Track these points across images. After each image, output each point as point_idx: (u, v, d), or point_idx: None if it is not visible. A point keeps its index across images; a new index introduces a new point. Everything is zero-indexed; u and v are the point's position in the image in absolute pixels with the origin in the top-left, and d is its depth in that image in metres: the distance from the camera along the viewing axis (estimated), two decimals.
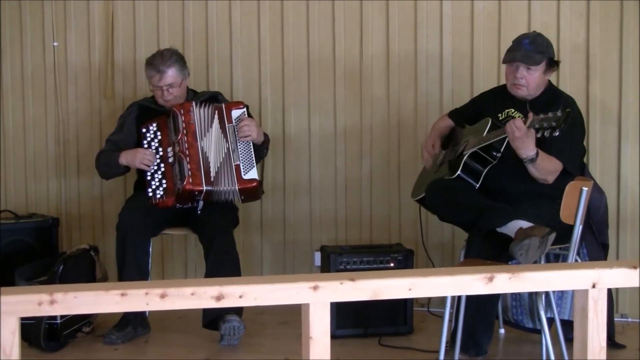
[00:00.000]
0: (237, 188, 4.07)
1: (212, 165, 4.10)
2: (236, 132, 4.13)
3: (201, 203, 4.10)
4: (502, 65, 3.87)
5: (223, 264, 4.01)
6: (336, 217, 4.76)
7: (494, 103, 3.90)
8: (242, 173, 4.08)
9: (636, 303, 4.34)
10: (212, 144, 4.13)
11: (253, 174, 4.11)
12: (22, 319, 1.93)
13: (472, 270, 2.06)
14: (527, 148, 3.46)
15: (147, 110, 4.28)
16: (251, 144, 4.15)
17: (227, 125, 4.15)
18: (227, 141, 4.14)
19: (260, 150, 4.25)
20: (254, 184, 4.10)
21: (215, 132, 4.15)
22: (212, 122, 4.16)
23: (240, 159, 4.10)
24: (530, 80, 3.70)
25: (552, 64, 3.74)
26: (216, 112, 4.18)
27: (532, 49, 3.68)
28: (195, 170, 4.04)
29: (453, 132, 4.09)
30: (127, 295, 1.92)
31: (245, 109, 4.21)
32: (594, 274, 2.06)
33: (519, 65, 3.69)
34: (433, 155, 4.03)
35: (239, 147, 4.12)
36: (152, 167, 4.13)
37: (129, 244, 4.01)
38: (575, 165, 3.72)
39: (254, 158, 4.14)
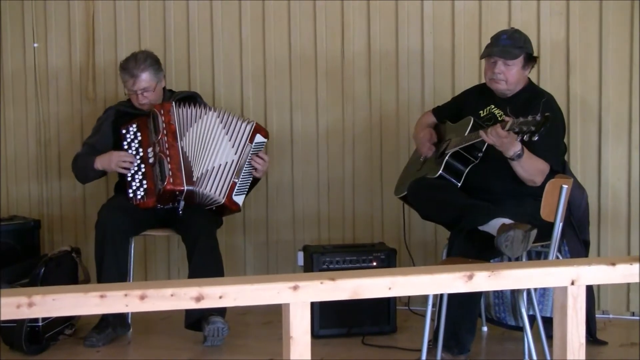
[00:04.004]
0: (222, 201, 4.09)
1: (195, 164, 4.09)
2: (250, 155, 4.15)
3: (182, 203, 4.09)
4: (483, 61, 3.88)
5: (206, 265, 4.00)
6: (319, 217, 4.76)
7: (476, 100, 3.91)
8: (234, 193, 4.12)
9: (617, 300, 4.36)
10: (197, 144, 4.12)
11: (240, 199, 4.17)
12: (3, 322, 1.92)
13: (452, 268, 2.06)
14: (511, 146, 3.47)
15: (125, 115, 4.27)
16: (252, 174, 4.21)
17: (247, 143, 4.16)
18: (236, 154, 4.15)
19: (252, 185, 4.30)
20: (235, 207, 4.16)
21: (222, 138, 4.15)
22: (195, 122, 4.15)
23: (240, 180, 4.13)
24: (508, 75, 3.71)
25: (531, 59, 3.75)
26: (249, 125, 4.20)
27: (510, 43, 3.70)
28: (176, 170, 4.03)
29: (436, 129, 4.09)
30: (107, 297, 1.91)
31: (266, 141, 4.27)
32: (572, 271, 2.07)
33: (497, 60, 3.70)
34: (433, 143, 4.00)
35: (244, 168, 4.15)
36: (131, 170, 4.12)
37: (108, 243, 3.99)
38: (559, 164, 3.74)
39: (248, 186, 4.19)
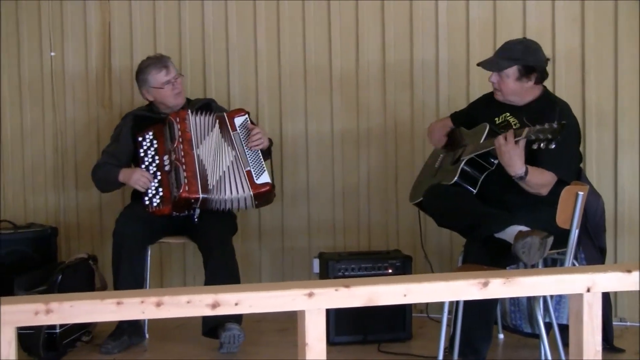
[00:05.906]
0: (252, 193, 4.08)
1: (210, 173, 4.10)
2: (242, 140, 4.15)
3: (197, 211, 4.10)
4: None
5: (222, 272, 4.01)
6: (334, 224, 4.76)
7: (491, 107, 3.90)
8: (255, 178, 4.10)
9: (634, 307, 4.34)
10: (211, 152, 4.13)
11: (265, 177, 4.13)
12: (21, 328, 1.94)
13: (467, 275, 2.06)
14: (514, 165, 3.47)
15: (143, 119, 4.29)
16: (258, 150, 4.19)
17: (231, 134, 4.16)
18: (233, 149, 4.15)
19: (268, 155, 4.27)
20: (267, 187, 4.12)
21: (217, 141, 4.16)
22: (211, 130, 4.16)
23: (251, 164, 4.12)
24: (502, 86, 3.73)
25: (529, 70, 3.71)
26: (217, 120, 4.19)
27: (502, 55, 3.72)
28: (192, 177, 4.05)
29: (452, 134, 4.09)
30: (123, 304, 1.93)
31: (247, 116, 4.23)
32: (588, 278, 2.07)
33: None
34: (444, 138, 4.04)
35: (247, 153, 4.14)
36: (149, 192, 4.13)
37: (124, 252, 4.02)
38: (571, 174, 3.72)
39: (263, 162, 4.17)
